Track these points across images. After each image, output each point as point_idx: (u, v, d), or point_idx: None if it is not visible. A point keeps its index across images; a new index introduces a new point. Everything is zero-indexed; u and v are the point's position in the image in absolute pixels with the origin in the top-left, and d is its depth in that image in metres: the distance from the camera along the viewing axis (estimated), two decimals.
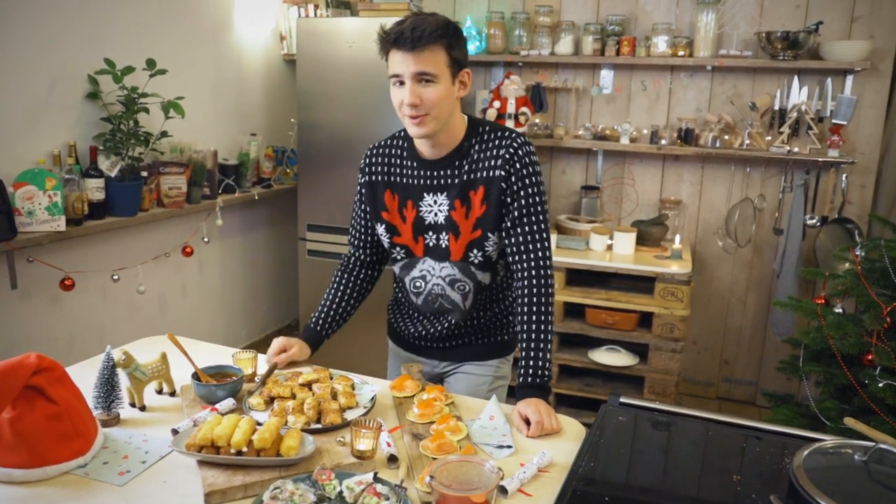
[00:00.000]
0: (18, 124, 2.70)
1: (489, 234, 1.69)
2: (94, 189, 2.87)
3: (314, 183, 3.76)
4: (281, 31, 4.20)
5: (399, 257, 1.80)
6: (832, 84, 3.41)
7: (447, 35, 1.57)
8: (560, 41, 3.77)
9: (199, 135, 3.54)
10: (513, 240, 1.68)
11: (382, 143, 1.81)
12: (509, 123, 3.60)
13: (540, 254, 1.67)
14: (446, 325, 1.83)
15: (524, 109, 3.66)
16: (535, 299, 1.65)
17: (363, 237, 1.87)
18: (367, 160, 1.81)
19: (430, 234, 1.73)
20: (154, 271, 3.41)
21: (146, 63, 2.97)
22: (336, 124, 3.64)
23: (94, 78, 2.91)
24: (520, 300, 1.67)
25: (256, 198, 3.87)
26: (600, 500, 1.21)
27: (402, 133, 1.77)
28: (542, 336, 1.63)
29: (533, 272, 1.66)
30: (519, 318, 1.66)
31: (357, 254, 1.91)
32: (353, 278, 1.91)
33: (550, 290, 1.67)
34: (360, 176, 1.82)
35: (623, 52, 3.64)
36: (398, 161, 1.76)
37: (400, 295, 1.93)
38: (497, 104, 3.69)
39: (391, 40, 1.57)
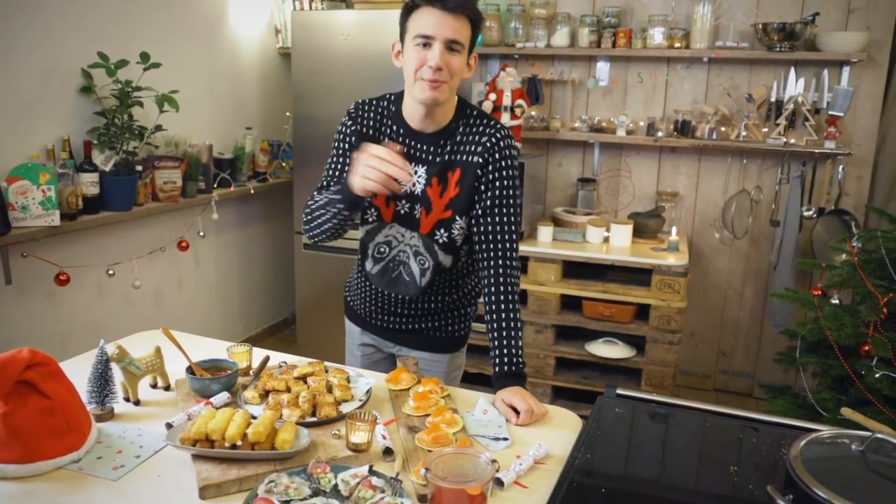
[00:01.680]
0: (11, 118, 2.68)
1: (457, 217, 1.70)
2: (89, 183, 2.86)
3: (310, 176, 3.74)
4: (276, 24, 4.18)
5: (371, 219, 1.77)
6: (829, 75, 3.40)
7: (478, 16, 1.61)
8: (556, 33, 3.75)
9: (194, 129, 3.52)
10: (481, 229, 1.68)
11: (372, 101, 1.77)
12: (505, 116, 3.58)
13: (508, 245, 1.68)
14: (401, 302, 1.83)
15: (520, 102, 3.65)
16: (502, 288, 1.65)
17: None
18: (359, 111, 1.75)
19: (404, 202, 1.72)
20: (150, 266, 3.39)
21: (140, 56, 2.95)
22: (331, 118, 3.61)
23: (88, 72, 2.89)
24: (486, 290, 1.67)
25: (252, 192, 3.86)
26: (597, 491, 1.20)
27: (391, 97, 1.75)
28: (512, 324, 1.63)
29: (500, 261, 1.67)
30: (486, 307, 1.66)
31: None
32: None
33: (516, 281, 1.68)
34: (349, 122, 1.75)
35: (619, 43, 3.63)
36: (387, 122, 1.73)
37: (358, 268, 1.89)
38: (493, 97, 3.67)
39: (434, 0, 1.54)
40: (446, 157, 1.68)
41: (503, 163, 1.67)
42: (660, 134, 3.67)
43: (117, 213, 2.98)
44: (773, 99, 3.48)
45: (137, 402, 1.55)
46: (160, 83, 3.07)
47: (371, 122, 1.74)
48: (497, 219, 1.67)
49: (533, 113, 3.85)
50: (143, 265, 3.31)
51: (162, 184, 3.22)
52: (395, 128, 1.72)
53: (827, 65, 3.43)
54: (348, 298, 1.99)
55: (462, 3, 1.55)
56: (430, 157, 1.69)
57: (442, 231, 1.72)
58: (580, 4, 3.82)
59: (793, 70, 3.43)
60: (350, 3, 3.93)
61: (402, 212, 1.73)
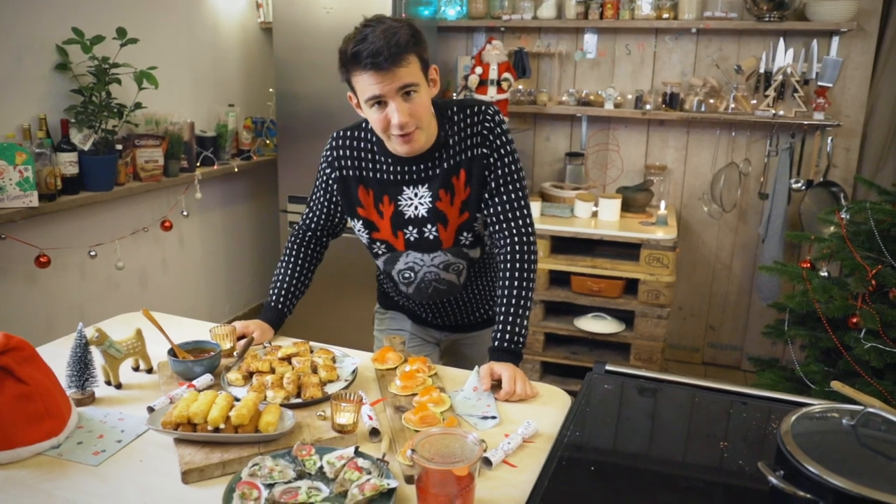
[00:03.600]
0: None
1: (476, 215, 1.67)
2: (67, 163, 2.80)
3: (294, 154, 3.69)
4: None
5: (380, 252, 1.75)
6: (818, 46, 3.37)
7: (419, 41, 1.49)
8: (543, 5, 3.70)
9: (175, 106, 3.46)
10: (492, 210, 1.65)
11: (349, 133, 1.69)
12: (492, 89, 3.54)
13: (521, 221, 1.64)
14: (443, 301, 1.83)
15: (507, 75, 3.60)
16: (518, 265, 1.62)
17: (322, 221, 1.81)
18: (335, 152, 1.69)
19: (411, 228, 1.68)
20: (133, 247, 3.34)
21: (116, 32, 2.88)
22: (315, 94, 3.56)
23: (63, 48, 2.82)
24: (503, 265, 1.64)
25: (236, 170, 3.80)
26: (586, 469, 1.19)
27: (368, 125, 1.66)
28: (522, 302, 1.61)
29: (516, 239, 1.64)
30: (500, 282, 1.64)
31: (313, 232, 1.84)
32: (308, 251, 1.85)
33: (533, 258, 1.65)
34: (325, 167, 1.72)
35: (607, 15, 3.58)
36: (369, 156, 1.67)
37: (390, 283, 1.88)
38: (479, 70, 3.62)
39: (365, 63, 1.43)
40: (445, 164, 1.62)
41: (500, 140, 1.63)
42: (648, 107, 3.63)
43: (98, 194, 2.92)
44: (761, 70, 3.45)
45: (119, 386, 1.52)
46: (138, 59, 2.99)
47: (350, 163, 1.68)
48: (505, 196, 1.63)
49: (520, 87, 3.80)
50: (125, 246, 3.26)
51: (143, 163, 3.17)
52: (382, 159, 1.65)
53: (816, 35, 3.40)
54: (388, 292, 1.95)
55: (395, 54, 1.43)
56: (430, 173, 1.63)
57: (466, 234, 1.69)
58: None
59: (782, 40, 3.39)
60: None
61: (412, 238, 1.69)
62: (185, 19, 3.57)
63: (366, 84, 1.47)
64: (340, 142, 1.70)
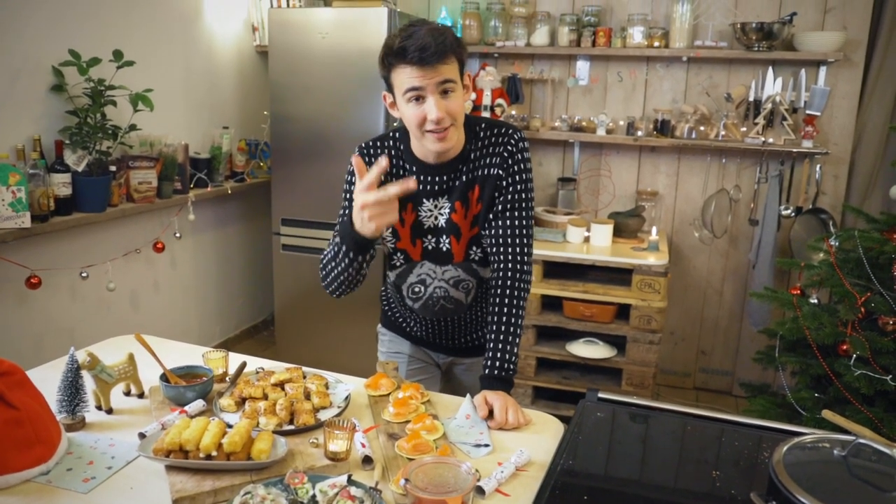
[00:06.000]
0: None
1: (483, 231, 1.69)
2: (61, 184, 2.80)
3: (288, 176, 3.70)
4: (253, 21, 4.12)
5: (398, 263, 1.75)
6: (806, 75, 3.42)
7: (460, 45, 1.55)
8: (536, 32, 3.74)
9: (170, 128, 3.47)
10: (492, 231, 1.66)
11: (375, 143, 1.71)
12: (485, 115, 3.57)
13: (518, 248, 1.65)
14: (446, 321, 1.82)
15: (500, 101, 3.64)
16: (508, 291, 1.63)
17: None
18: (363, 159, 1.68)
19: (430, 237, 1.70)
20: (125, 268, 3.33)
21: (113, 54, 2.89)
22: (310, 117, 3.58)
23: (59, 70, 2.83)
24: (493, 290, 1.65)
25: (229, 192, 3.81)
26: (579, 498, 1.19)
27: (396, 134, 1.70)
28: (512, 329, 1.61)
29: (509, 265, 1.64)
30: (491, 308, 1.64)
31: None
32: None
33: (526, 286, 1.65)
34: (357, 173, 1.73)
35: (599, 42, 3.63)
36: (398, 162, 1.69)
37: (394, 287, 1.86)
38: (473, 96, 3.66)
39: (411, 56, 1.47)
40: (463, 178, 1.65)
41: (518, 167, 1.65)
42: (639, 133, 3.67)
43: (91, 215, 2.92)
44: (751, 98, 3.50)
45: (110, 411, 1.51)
46: (134, 82, 3.01)
47: None
48: (508, 221, 1.64)
49: (513, 112, 3.83)
50: (117, 267, 3.25)
51: (137, 184, 3.17)
52: (407, 167, 1.68)
53: (804, 64, 3.46)
54: (389, 313, 1.94)
55: (440, 52, 1.47)
56: (450, 185, 1.66)
57: (475, 249, 1.70)
58: (560, 3, 3.81)
59: (770, 70, 3.45)
60: (328, 0, 3.89)
61: (430, 247, 1.70)
62: (181, 42, 3.59)
63: (407, 77, 1.50)
64: (369, 150, 1.71)
